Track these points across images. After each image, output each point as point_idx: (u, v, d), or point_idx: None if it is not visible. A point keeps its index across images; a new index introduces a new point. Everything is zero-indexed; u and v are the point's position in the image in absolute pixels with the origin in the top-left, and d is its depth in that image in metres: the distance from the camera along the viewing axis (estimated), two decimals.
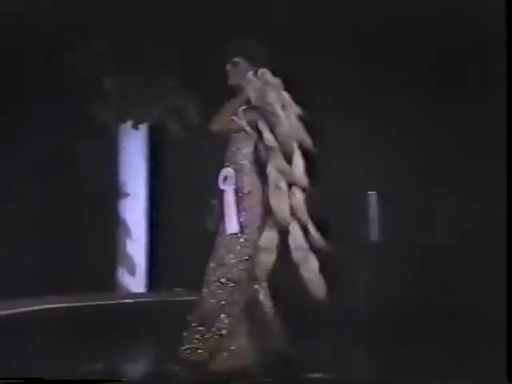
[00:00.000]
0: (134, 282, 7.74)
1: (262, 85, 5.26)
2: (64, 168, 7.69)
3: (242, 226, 5.11)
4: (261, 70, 5.31)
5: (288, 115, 5.22)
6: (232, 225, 5.10)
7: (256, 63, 5.34)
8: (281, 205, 5.11)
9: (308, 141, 5.22)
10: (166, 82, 7.18)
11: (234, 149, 5.26)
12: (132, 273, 7.74)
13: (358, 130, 7.21)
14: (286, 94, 5.27)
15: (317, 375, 5.20)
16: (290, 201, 5.12)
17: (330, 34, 6.99)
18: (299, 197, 5.15)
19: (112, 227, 7.75)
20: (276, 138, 5.16)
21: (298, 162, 5.17)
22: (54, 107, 7.24)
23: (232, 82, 5.38)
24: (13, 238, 7.40)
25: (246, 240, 5.13)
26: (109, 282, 7.60)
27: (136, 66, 7.05)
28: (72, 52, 6.93)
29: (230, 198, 5.13)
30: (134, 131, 7.41)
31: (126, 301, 7.29)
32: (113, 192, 7.73)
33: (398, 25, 6.82)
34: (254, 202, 5.18)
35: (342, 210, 6.57)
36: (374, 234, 7.39)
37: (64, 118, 7.26)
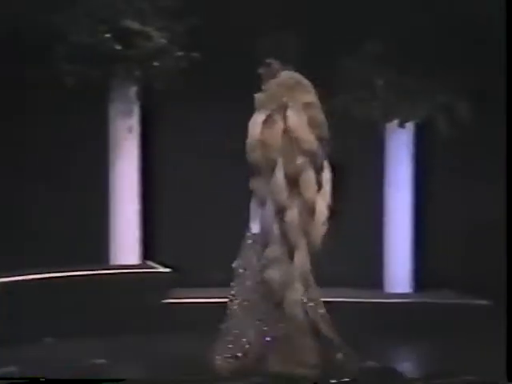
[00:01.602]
0: (399, 281, 7.48)
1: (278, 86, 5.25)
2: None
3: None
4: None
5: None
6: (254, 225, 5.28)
7: (289, 63, 5.30)
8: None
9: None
10: (435, 81, 7.05)
11: None
12: (398, 271, 7.50)
13: None
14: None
15: None
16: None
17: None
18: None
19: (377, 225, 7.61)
20: None
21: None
22: None
23: (265, 84, 5.31)
24: None
25: None
26: (375, 280, 7.48)
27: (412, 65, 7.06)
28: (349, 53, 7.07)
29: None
30: (400, 129, 7.30)
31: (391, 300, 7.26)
32: (378, 189, 7.57)
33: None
34: None
35: None
36: None
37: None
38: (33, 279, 6.69)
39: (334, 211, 5.31)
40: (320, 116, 5.26)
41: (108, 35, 6.82)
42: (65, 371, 5.41)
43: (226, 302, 5.35)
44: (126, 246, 7.26)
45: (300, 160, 5.14)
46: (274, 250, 5.15)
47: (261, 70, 5.37)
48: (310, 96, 5.27)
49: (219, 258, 7.13)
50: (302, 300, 5.19)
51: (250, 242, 5.30)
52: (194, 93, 7.14)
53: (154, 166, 7.43)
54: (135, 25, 6.92)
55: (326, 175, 5.28)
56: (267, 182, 5.14)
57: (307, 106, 5.22)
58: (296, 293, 5.16)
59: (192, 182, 7.46)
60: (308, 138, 5.16)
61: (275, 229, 5.14)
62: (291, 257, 5.17)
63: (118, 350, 6.16)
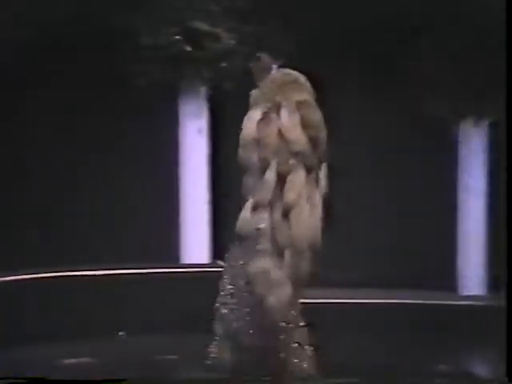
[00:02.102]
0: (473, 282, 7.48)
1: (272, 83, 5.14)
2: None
3: None
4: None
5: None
6: None
7: (281, 57, 5.20)
8: None
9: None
10: None
11: None
12: (471, 274, 7.51)
13: None
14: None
15: None
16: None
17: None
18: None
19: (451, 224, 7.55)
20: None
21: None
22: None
23: (257, 78, 5.21)
24: None
25: None
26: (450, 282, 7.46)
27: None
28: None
29: None
30: (474, 129, 7.31)
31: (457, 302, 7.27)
32: (451, 190, 7.53)
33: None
34: None
35: None
36: None
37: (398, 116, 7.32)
38: (103, 275, 6.84)
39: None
40: (314, 116, 5.08)
41: (178, 37, 6.95)
42: (136, 366, 5.54)
43: None
44: (195, 245, 7.34)
45: (292, 161, 5.00)
46: (263, 244, 5.01)
47: (251, 65, 5.29)
48: (305, 94, 5.11)
49: None
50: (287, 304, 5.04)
51: None
52: None
53: (223, 166, 7.49)
54: (204, 26, 7.01)
55: (322, 176, 5.14)
56: (257, 179, 5.03)
57: (301, 104, 5.06)
58: (283, 295, 4.99)
59: None
60: (299, 139, 5.00)
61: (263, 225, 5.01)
62: (279, 257, 5.01)
63: (188, 347, 6.21)
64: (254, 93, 5.18)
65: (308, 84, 5.16)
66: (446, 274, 7.37)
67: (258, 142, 5.01)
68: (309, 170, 5.04)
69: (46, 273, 6.66)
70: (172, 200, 7.30)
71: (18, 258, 6.87)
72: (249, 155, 5.04)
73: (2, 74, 6.85)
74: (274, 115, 5.03)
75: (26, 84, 7.15)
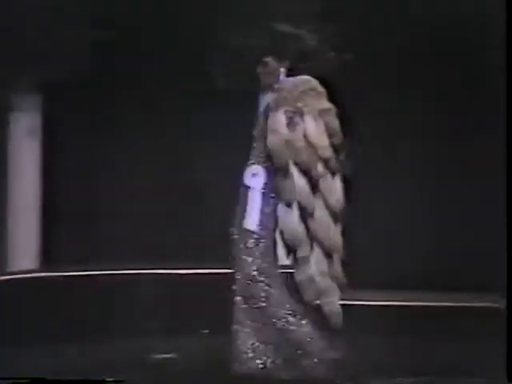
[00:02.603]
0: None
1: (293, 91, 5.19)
2: None
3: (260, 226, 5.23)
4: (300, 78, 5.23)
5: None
6: (251, 221, 5.22)
7: (286, 61, 5.24)
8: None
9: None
10: None
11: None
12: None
13: None
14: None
15: None
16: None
17: None
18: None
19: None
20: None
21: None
22: None
23: (264, 83, 5.29)
24: None
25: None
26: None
27: None
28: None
29: (255, 196, 5.23)
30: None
31: None
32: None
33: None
34: None
35: None
36: None
37: None
38: (180, 274, 7.16)
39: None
40: (336, 123, 5.20)
41: (260, 38, 7.06)
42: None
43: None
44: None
45: (319, 166, 5.13)
46: (304, 251, 5.17)
47: (258, 69, 5.38)
48: (326, 102, 5.22)
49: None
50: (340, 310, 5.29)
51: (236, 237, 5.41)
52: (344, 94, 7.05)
53: None
54: (286, 27, 7.05)
55: (337, 183, 5.25)
56: (291, 184, 5.10)
57: (324, 112, 5.18)
58: (335, 301, 5.25)
59: None
60: (325, 144, 5.14)
61: (301, 230, 5.14)
62: (322, 262, 5.19)
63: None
64: (272, 97, 5.31)
65: (325, 91, 5.34)
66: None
67: (289, 145, 5.17)
68: (333, 175, 5.26)
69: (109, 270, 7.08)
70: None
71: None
72: (281, 158, 5.19)
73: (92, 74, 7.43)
74: (298, 120, 5.16)
75: (102, 87, 7.62)
